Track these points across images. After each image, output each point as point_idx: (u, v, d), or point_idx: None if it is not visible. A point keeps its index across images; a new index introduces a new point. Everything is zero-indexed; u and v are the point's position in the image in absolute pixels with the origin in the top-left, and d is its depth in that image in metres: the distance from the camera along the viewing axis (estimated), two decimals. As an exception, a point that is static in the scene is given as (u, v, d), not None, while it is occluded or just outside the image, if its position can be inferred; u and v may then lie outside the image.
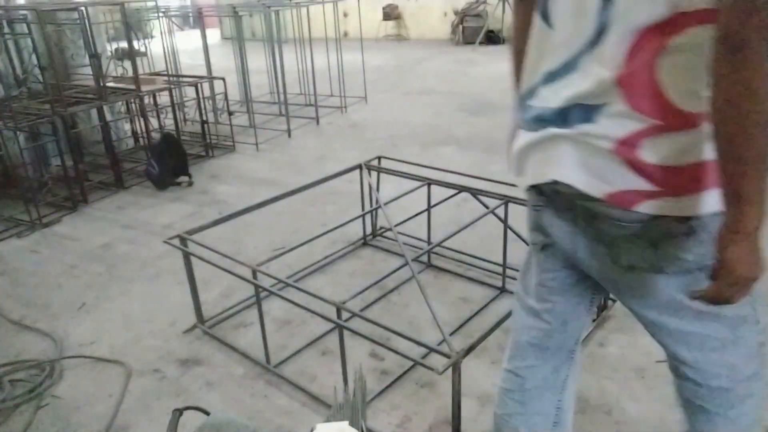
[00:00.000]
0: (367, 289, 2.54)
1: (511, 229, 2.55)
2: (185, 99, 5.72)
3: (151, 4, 6.18)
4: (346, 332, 1.85)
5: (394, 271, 2.17)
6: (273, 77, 6.38)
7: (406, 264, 2.07)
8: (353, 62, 6.84)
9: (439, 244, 2.38)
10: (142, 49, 5.69)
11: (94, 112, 4.31)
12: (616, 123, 0.94)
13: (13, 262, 3.17)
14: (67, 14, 4.23)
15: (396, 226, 2.44)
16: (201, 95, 4.85)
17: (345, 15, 11.90)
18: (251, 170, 4.58)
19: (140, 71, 4.58)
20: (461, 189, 2.73)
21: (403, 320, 2.47)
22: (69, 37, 4.38)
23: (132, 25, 4.55)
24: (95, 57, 3.95)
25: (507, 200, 2.52)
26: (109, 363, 2.28)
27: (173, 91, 4.78)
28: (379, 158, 3.05)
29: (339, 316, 1.82)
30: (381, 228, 3.25)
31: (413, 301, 2.60)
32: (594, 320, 2.37)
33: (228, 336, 2.41)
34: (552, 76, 1.04)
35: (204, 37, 5.79)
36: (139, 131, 5.00)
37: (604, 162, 0.97)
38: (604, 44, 0.94)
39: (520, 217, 2.85)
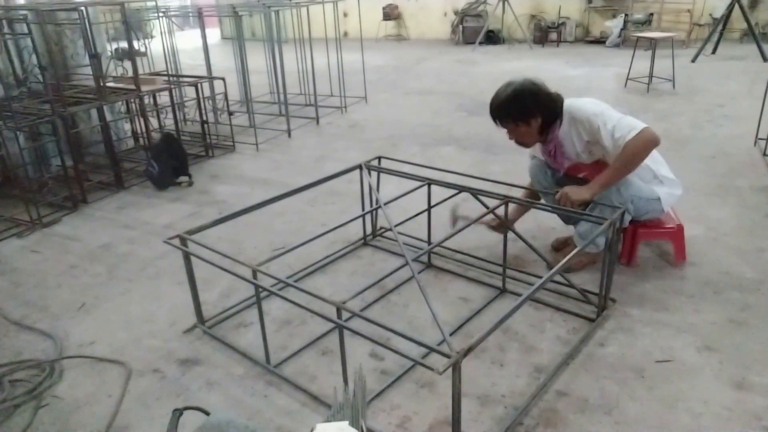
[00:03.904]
0: (367, 289, 2.54)
1: (511, 228, 2.55)
2: (185, 99, 5.72)
3: (151, 4, 6.17)
4: (346, 332, 1.85)
5: (394, 271, 2.17)
6: (273, 77, 6.38)
7: (406, 264, 2.07)
8: (353, 62, 6.85)
9: (439, 244, 2.38)
10: (142, 49, 5.69)
11: (94, 112, 4.31)
12: None
13: (13, 262, 3.17)
14: (67, 14, 4.23)
15: (396, 226, 2.44)
16: (201, 95, 4.85)
17: (345, 15, 11.91)
18: (251, 170, 4.58)
19: (140, 71, 4.58)
20: (461, 189, 2.73)
21: (403, 320, 2.47)
22: (69, 37, 4.38)
23: (132, 25, 4.55)
24: (95, 57, 3.95)
25: (507, 200, 2.52)
26: (109, 363, 2.28)
27: (173, 91, 4.78)
28: (379, 158, 3.05)
29: (339, 316, 1.82)
30: (381, 228, 3.25)
31: (413, 301, 2.60)
32: (594, 320, 2.37)
33: (228, 336, 2.41)
34: None
35: (204, 37, 5.79)
36: (139, 131, 5.00)
37: None
38: None
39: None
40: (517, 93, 2.51)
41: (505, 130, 2.62)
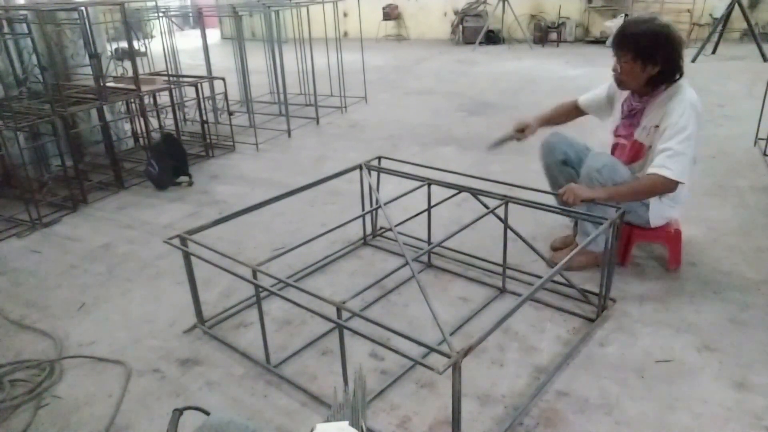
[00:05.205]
0: (367, 289, 2.54)
1: (511, 229, 2.55)
2: (185, 99, 5.72)
3: (151, 4, 6.17)
4: (346, 332, 1.85)
5: (394, 271, 2.17)
6: (273, 77, 6.38)
7: (406, 264, 2.07)
8: (353, 62, 6.85)
9: (439, 244, 2.38)
10: (142, 49, 5.69)
11: (94, 112, 4.31)
12: None
13: (13, 262, 3.17)
14: (67, 14, 4.23)
15: (396, 226, 2.44)
16: (201, 95, 4.85)
17: (345, 15, 11.90)
18: (251, 170, 4.58)
19: (140, 71, 4.58)
20: (461, 189, 2.73)
21: (403, 320, 2.47)
22: (69, 37, 4.38)
23: (132, 25, 4.55)
24: (95, 57, 3.95)
25: (507, 200, 2.52)
26: (109, 363, 2.28)
27: (173, 91, 4.78)
28: (379, 158, 3.05)
29: (339, 316, 1.82)
30: (381, 228, 3.25)
31: (413, 301, 2.60)
32: (594, 320, 2.37)
33: (228, 336, 2.41)
34: None
35: (204, 37, 5.79)
36: (139, 131, 5.00)
37: None
38: None
39: (520, 217, 2.87)
40: (656, 31, 2.39)
41: (613, 61, 2.52)
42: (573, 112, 2.93)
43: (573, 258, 2.36)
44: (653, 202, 2.59)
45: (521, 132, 2.86)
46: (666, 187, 2.38)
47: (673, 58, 2.41)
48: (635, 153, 2.62)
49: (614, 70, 2.54)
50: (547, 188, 2.87)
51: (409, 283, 2.71)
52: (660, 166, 2.36)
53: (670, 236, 2.70)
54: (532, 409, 1.93)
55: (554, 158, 2.79)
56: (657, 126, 2.48)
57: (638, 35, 2.39)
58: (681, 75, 2.47)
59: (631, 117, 2.62)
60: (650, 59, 2.40)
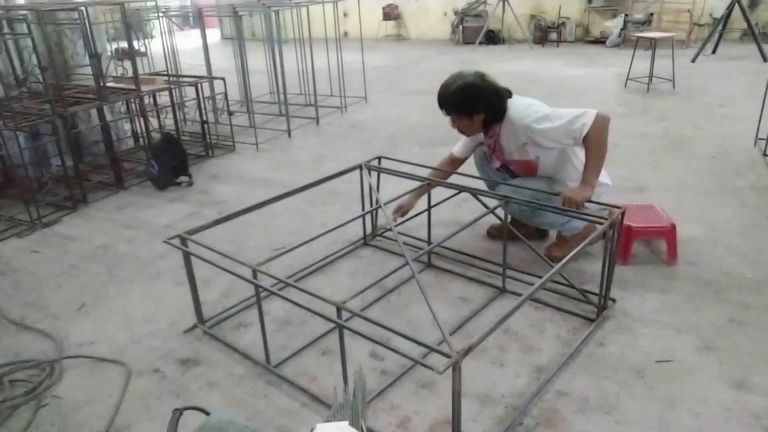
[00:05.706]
0: (367, 289, 2.54)
1: (511, 228, 2.55)
2: (185, 99, 5.72)
3: (151, 4, 6.17)
4: (346, 332, 1.85)
5: (394, 271, 2.17)
6: (273, 77, 6.38)
7: (406, 264, 2.07)
8: (353, 62, 6.85)
9: (439, 244, 2.38)
10: (142, 49, 5.69)
11: (94, 112, 4.31)
12: None
13: (13, 262, 3.17)
14: (67, 14, 4.23)
15: (396, 226, 2.44)
16: (201, 95, 4.85)
17: (345, 15, 11.91)
18: (251, 170, 4.58)
19: (140, 71, 4.58)
20: (461, 189, 2.73)
21: (403, 320, 2.47)
22: (69, 37, 4.38)
23: (132, 25, 4.54)
24: (95, 57, 3.95)
25: (507, 200, 2.52)
26: (109, 363, 2.28)
27: (173, 91, 4.78)
28: (379, 158, 3.05)
29: (339, 316, 1.82)
30: (381, 228, 3.25)
31: (413, 301, 2.60)
32: (594, 320, 2.37)
33: (228, 336, 2.41)
34: None
35: (204, 37, 5.79)
36: (139, 131, 5.00)
37: None
38: None
39: (520, 217, 2.86)
40: (464, 87, 2.56)
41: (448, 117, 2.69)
42: (452, 165, 3.03)
43: (555, 253, 2.58)
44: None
45: (401, 213, 2.96)
46: (601, 124, 2.44)
47: (491, 101, 2.58)
48: (526, 168, 2.75)
49: (453, 127, 2.72)
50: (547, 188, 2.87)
51: (409, 283, 2.71)
52: (579, 129, 2.45)
53: (666, 231, 2.76)
54: (532, 409, 1.93)
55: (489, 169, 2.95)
56: (525, 143, 2.61)
57: (450, 97, 2.59)
58: (508, 99, 2.61)
59: (496, 151, 2.77)
60: (471, 111, 2.58)
